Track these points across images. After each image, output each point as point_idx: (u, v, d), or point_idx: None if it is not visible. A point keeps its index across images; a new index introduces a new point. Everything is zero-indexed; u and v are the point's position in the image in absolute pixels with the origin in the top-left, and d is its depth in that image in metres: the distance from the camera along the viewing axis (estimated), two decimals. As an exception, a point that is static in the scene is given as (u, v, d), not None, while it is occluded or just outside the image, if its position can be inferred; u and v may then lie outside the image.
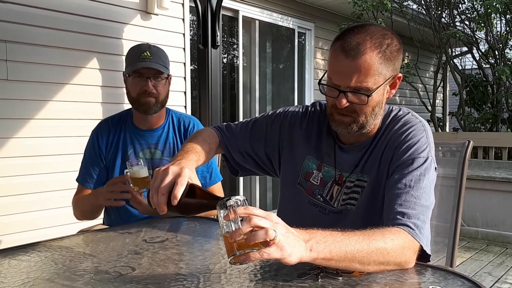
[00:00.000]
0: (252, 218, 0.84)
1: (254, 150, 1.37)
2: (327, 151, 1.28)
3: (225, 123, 1.43)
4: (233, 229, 0.85)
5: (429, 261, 1.07)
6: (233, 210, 0.86)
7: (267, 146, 1.37)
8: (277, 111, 1.39)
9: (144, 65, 1.74)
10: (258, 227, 0.84)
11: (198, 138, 1.30)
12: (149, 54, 1.75)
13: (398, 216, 1.04)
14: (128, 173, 1.60)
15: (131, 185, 1.58)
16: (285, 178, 1.36)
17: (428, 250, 1.04)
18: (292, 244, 0.86)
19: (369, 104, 1.12)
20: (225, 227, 0.87)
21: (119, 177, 1.67)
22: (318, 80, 1.19)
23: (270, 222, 0.85)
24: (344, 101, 1.11)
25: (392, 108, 1.26)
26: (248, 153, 1.37)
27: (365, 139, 1.23)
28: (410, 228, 1.02)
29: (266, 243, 0.84)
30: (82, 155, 1.90)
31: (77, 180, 1.88)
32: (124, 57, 1.87)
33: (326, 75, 1.15)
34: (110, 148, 1.84)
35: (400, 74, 1.17)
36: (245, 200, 0.91)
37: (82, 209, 1.83)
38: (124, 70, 1.84)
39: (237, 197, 0.91)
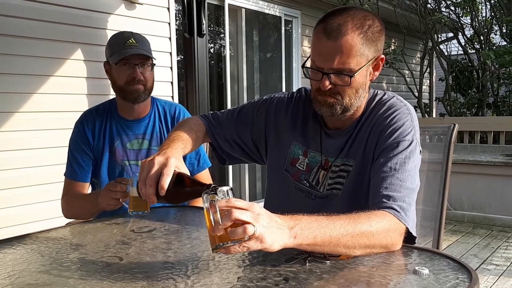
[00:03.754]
0: (232, 213, 0.84)
1: (240, 138, 1.37)
2: (313, 136, 1.29)
3: (211, 112, 1.43)
4: (214, 223, 0.86)
5: (415, 243, 1.08)
6: (213, 204, 0.87)
7: (253, 133, 1.37)
8: (263, 98, 1.40)
9: (132, 52, 1.70)
10: (239, 221, 0.84)
11: (184, 127, 1.29)
12: (134, 41, 1.72)
13: (384, 199, 1.05)
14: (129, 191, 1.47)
15: (128, 202, 1.46)
16: (271, 165, 1.36)
17: (414, 232, 1.06)
18: (275, 234, 0.86)
19: (352, 85, 1.13)
20: (207, 219, 0.88)
21: (120, 179, 1.54)
22: (301, 64, 1.20)
23: (251, 214, 0.85)
24: (327, 82, 1.11)
25: (377, 92, 1.26)
26: (235, 141, 1.37)
27: (350, 123, 1.24)
28: (396, 210, 1.03)
29: None
30: (67, 148, 1.84)
31: (65, 174, 1.81)
32: (108, 47, 1.84)
33: (309, 59, 1.16)
34: (97, 139, 1.79)
35: (383, 56, 1.17)
36: (230, 190, 0.91)
37: (78, 212, 1.75)
38: (106, 59, 1.80)
39: (222, 188, 0.91)
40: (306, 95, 1.35)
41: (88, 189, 1.83)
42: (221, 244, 0.86)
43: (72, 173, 1.78)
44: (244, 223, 0.84)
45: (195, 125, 1.33)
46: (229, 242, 0.85)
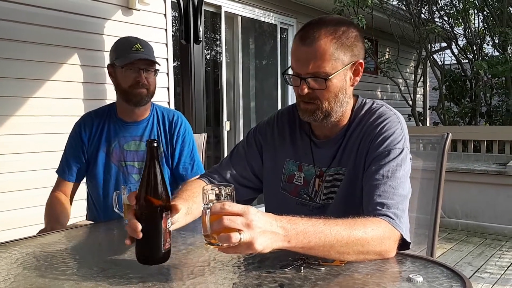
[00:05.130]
0: (223, 220, 0.86)
1: (242, 175, 1.37)
2: (303, 150, 1.30)
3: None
4: (203, 229, 0.89)
5: (409, 248, 1.09)
6: (204, 212, 0.89)
7: (252, 167, 1.38)
8: (248, 132, 1.43)
9: (139, 57, 1.74)
10: (228, 228, 0.86)
11: (184, 186, 1.28)
12: (140, 47, 1.77)
13: (378, 207, 1.07)
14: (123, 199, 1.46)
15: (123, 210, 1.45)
16: (268, 186, 1.37)
17: (407, 238, 1.07)
18: (267, 238, 0.88)
19: (330, 89, 1.15)
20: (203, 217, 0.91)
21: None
22: (282, 72, 1.23)
23: (243, 221, 0.86)
24: (305, 87, 1.15)
25: (366, 100, 1.28)
26: (236, 181, 1.36)
27: (338, 130, 1.26)
28: (390, 218, 1.04)
29: None
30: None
31: (56, 171, 1.86)
32: (105, 53, 1.86)
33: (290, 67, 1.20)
34: (92, 140, 1.83)
35: (362, 61, 1.20)
36: (231, 191, 0.94)
37: (50, 219, 1.71)
38: (110, 62, 1.82)
39: (221, 187, 0.93)
40: (288, 110, 1.38)
41: (70, 188, 1.84)
42: (211, 242, 0.89)
43: (60, 170, 1.86)
44: (233, 229, 0.86)
45: (194, 183, 1.31)
46: (219, 243, 0.88)
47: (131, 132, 1.84)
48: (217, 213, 0.88)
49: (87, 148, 1.83)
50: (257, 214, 0.89)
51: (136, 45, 1.77)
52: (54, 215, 1.71)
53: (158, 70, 1.83)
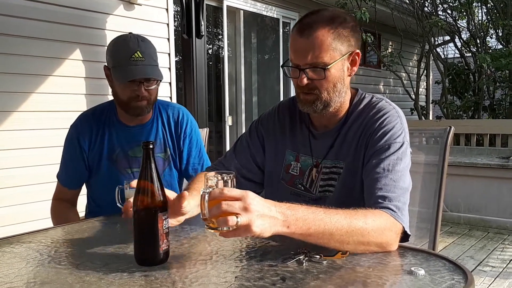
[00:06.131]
0: (221, 205, 0.87)
1: (244, 167, 1.38)
2: (302, 141, 1.32)
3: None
4: (202, 214, 0.91)
5: (408, 240, 1.10)
6: (203, 196, 0.90)
7: (255, 159, 1.39)
8: (251, 124, 1.45)
9: (139, 74, 1.56)
10: (226, 213, 0.87)
11: (195, 180, 1.31)
12: (140, 55, 1.57)
13: (380, 200, 1.07)
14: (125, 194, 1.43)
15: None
16: (268, 177, 1.38)
17: (408, 230, 1.07)
18: (266, 222, 0.89)
19: (329, 79, 1.17)
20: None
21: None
22: (281, 64, 1.25)
23: (241, 204, 0.88)
24: (304, 77, 1.16)
25: (365, 94, 1.29)
26: (240, 173, 1.36)
27: (336, 121, 1.27)
28: (392, 210, 1.05)
29: None
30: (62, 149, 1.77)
31: (57, 176, 1.77)
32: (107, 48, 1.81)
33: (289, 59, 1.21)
34: (93, 147, 1.70)
35: (358, 51, 1.21)
36: (232, 178, 0.94)
37: (54, 220, 1.71)
38: (106, 64, 1.66)
39: (223, 174, 0.94)
40: (289, 102, 1.39)
41: (70, 195, 1.78)
42: (211, 226, 0.91)
43: (59, 176, 1.77)
44: (232, 213, 0.87)
45: (199, 176, 1.33)
46: (218, 228, 0.89)
47: (135, 137, 1.69)
48: (216, 197, 0.89)
49: (88, 155, 1.70)
50: (255, 199, 0.90)
51: (136, 54, 1.55)
52: (64, 218, 1.67)
53: (161, 80, 1.64)
